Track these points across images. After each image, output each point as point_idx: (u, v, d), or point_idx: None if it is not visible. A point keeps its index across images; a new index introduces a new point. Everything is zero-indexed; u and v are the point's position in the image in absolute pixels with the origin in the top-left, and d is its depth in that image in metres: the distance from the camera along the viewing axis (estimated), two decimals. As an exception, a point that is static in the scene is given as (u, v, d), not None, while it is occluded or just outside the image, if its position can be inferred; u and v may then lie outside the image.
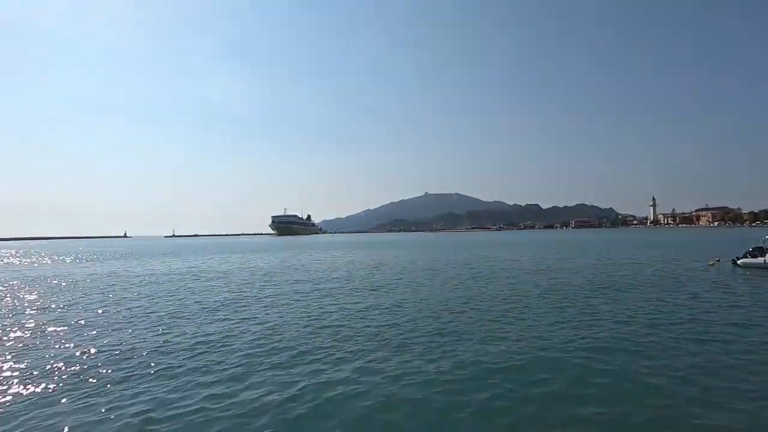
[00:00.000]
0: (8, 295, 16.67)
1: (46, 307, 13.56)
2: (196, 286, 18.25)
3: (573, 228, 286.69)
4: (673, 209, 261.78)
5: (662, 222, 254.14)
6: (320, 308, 12.42)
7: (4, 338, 9.51)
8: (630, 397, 5.75)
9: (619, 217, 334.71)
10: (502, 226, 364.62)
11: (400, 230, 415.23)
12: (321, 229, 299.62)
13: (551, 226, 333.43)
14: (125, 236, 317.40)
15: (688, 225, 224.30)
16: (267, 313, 11.80)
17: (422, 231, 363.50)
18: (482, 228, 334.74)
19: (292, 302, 13.63)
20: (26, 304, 14.29)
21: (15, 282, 21.76)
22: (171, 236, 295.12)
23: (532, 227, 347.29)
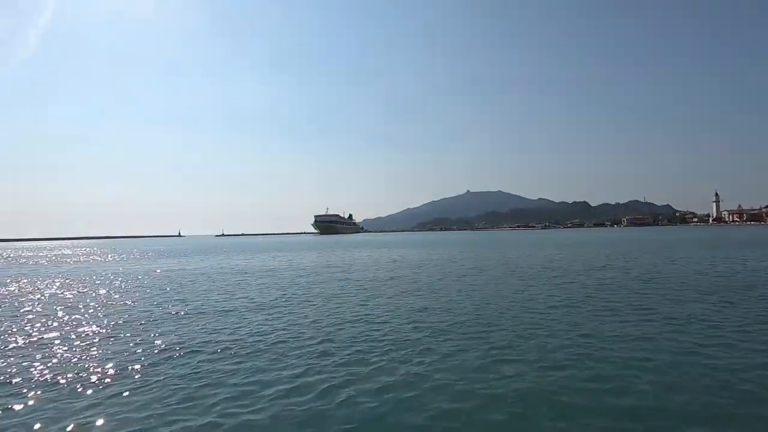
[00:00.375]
0: (80, 289, 18.20)
1: (112, 302, 14.70)
2: (247, 283, 19.07)
3: (625, 226, 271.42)
4: (740, 205, 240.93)
5: (727, 219, 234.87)
6: (369, 307, 12.60)
7: (80, 330, 10.41)
8: (697, 393, 5.44)
9: (677, 214, 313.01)
10: (547, 224, 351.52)
11: (441, 229, 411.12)
12: (362, 228, 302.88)
13: (601, 225, 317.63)
14: (179, 235, 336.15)
15: (758, 222, 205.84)
16: (317, 312, 12.13)
17: (464, 230, 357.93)
18: (527, 226, 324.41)
19: (341, 301, 13.92)
20: (96, 298, 15.55)
21: (88, 277, 23.70)
22: (220, 235, 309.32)
23: (580, 225, 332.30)
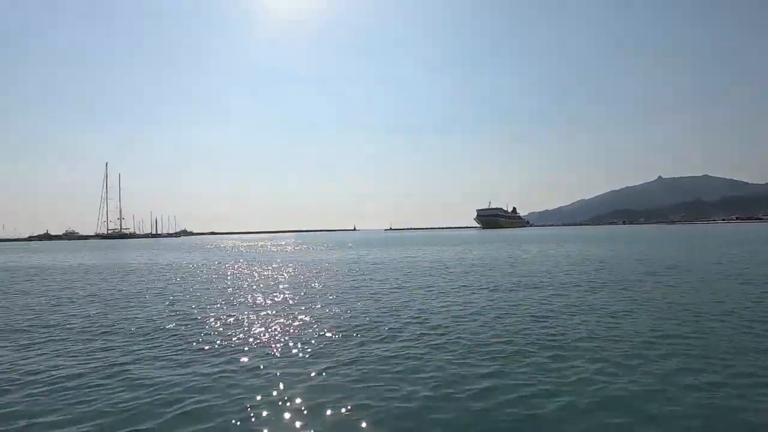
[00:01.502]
0: (290, 274, 22.08)
1: (310, 285, 17.36)
2: (415, 273, 20.09)
3: None
4: None
5: None
6: (551, 306, 11.90)
7: (263, 311, 12.61)
8: None
9: None
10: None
11: (624, 222, 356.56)
12: (527, 222, 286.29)
13: None
14: (354, 229, 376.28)
15: None
16: (484, 303, 12.04)
17: (654, 222, 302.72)
18: (748, 219, 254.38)
19: (508, 295, 13.50)
20: (300, 281, 18.64)
21: (298, 264, 28.67)
22: (389, 229, 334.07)
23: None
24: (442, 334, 8.72)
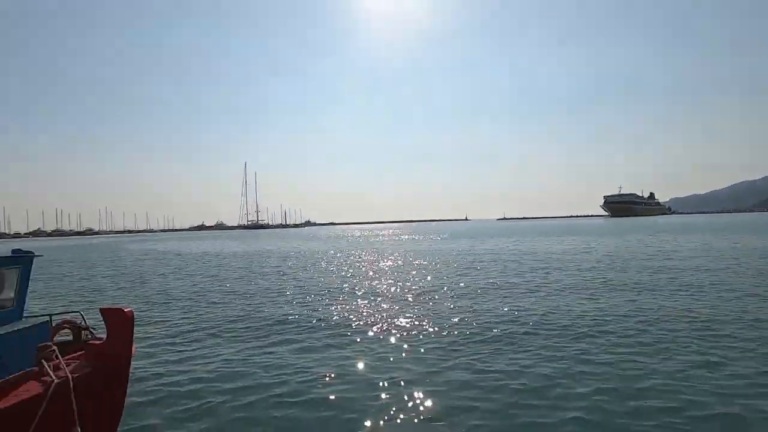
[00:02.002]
0: (406, 261, 22.54)
1: (428, 276, 17.39)
2: (538, 266, 18.70)
3: None
4: None
5: None
6: (696, 306, 10.08)
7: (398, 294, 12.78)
8: None
9: None
10: None
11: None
12: (669, 209, 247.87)
13: None
14: (466, 219, 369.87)
15: None
16: (625, 304, 10.62)
17: None
18: None
19: (655, 295, 11.71)
20: (415, 268, 18.87)
21: (409, 252, 29.27)
22: (502, 219, 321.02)
23: None
24: (580, 339, 7.91)
